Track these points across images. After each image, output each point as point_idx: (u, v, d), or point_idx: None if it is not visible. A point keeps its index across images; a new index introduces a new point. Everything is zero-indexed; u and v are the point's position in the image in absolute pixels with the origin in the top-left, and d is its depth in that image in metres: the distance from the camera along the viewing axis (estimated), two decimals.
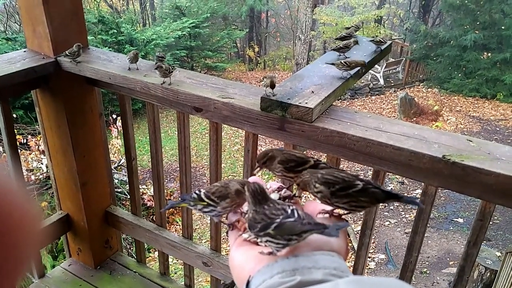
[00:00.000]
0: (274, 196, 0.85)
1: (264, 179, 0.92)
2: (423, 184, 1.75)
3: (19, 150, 2.49)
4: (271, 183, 0.89)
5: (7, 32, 16.45)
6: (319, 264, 0.63)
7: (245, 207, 0.83)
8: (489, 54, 17.54)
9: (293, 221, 0.68)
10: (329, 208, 0.77)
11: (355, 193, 0.78)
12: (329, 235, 0.66)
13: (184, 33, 18.24)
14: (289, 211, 0.70)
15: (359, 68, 2.02)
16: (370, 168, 1.80)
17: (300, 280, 0.60)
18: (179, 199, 0.94)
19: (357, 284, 0.53)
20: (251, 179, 0.88)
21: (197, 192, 0.89)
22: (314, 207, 0.78)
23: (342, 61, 1.96)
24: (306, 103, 1.70)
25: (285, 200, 0.84)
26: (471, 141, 1.62)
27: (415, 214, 1.89)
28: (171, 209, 9.15)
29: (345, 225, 0.70)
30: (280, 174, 0.89)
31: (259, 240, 0.71)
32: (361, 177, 0.80)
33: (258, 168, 0.93)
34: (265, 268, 0.65)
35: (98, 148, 2.67)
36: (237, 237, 0.77)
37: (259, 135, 2.09)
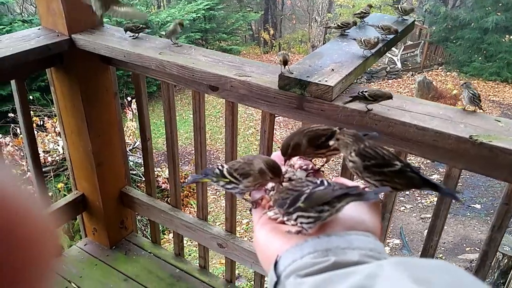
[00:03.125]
0: (301, 173, 0.80)
1: None
2: (441, 169, 1.69)
3: (35, 132, 2.48)
4: (295, 160, 0.85)
5: (23, 14, 16.52)
6: (353, 245, 0.58)
7: (270, 184, 0.78)
8: (511, 37, 17.04)
9: (324, 189, 0.63)
10: (360, 185, 0.72)
11: (391, 173, 0.72)
12: (368, 199, 0.62)
13: (198, 15, 18.08)
14: (318, 181, 0.65)
15: (380, 46, 1.95)
16: (391, 149, 1.74)
17: (334, 261, 0.55)
18: (201, 174, 0.90)
19: (404, 265, 0.48)
20: (274, 155, 0.83)
21: (219, 167, 0.84)
22: (343, 184, 0.73)
23: (363, 39, 1.89)
24: (326, 81, 1.64)
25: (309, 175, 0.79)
26: (499, 121, 1.55)
27: (432, 198, 1.83)
28: (185, 192, 9.20)
29: (385, 189, 0.64)
30: (312, 155, 0.84)
31: (286, 218, 0.66)
32: (402, 158, 0.75)
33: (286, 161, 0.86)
34: (294, 248, 0.60)
35: (113, 127, 2.65)
36: (261, 216, 0.72)
37: (275, 116, 2.04)
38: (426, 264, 0.49)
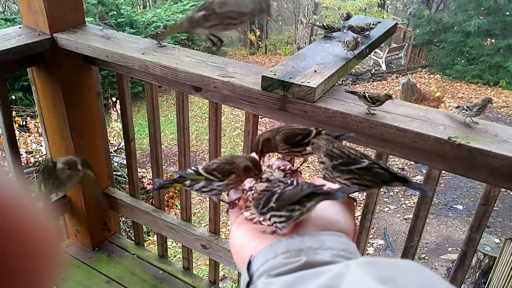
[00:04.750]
0: (278, 174, 0.81)
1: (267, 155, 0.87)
2: (424, 170, 1.71)
3: (18, 132, 2.44)
4: (273, 161, 0.85)
5: (5, 13, 16.25)
6: (326, 245, 0.59)
7: (247, 184, 0.79)
8: (493, 40, 17.34)
9: (293, 189, 0.64)
10: (335, 186, 0.73)
11: (359, 170, 0.73)
12: (336, 198, 0.63)
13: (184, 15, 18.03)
14: (289, 181, 0.66)
15: (363, 48, 1.97)
16: (373, 151, 1.76)
17: (305, 261, 0.56)
18: (170, 180, 0.84)
19: (370, 265, 0.49)
20: (253, 154, 0.84)
21: (193, 168, 0.82)
22: (320, 184, 0.74)
23: (345, 40, 1.91)
24: (308, 82, 1.65)
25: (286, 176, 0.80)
26: (477, 123, 1.58)
27: (416, 199, 1.86)
28: (170, 193, 9.15)
29: (353, 188, 0.65)
30: (287, 151, 0.85)
31: (262, 218, 0.67)
32: (371, 157, 0.76)
33: (261, 159, 0.86)
34: (268, 248, 0.60)
35: (96, 128, 2.63)
36: (238, 216, 0.73)
37: (259, 117, 2.05)
38: (395, 265, 0.49)
